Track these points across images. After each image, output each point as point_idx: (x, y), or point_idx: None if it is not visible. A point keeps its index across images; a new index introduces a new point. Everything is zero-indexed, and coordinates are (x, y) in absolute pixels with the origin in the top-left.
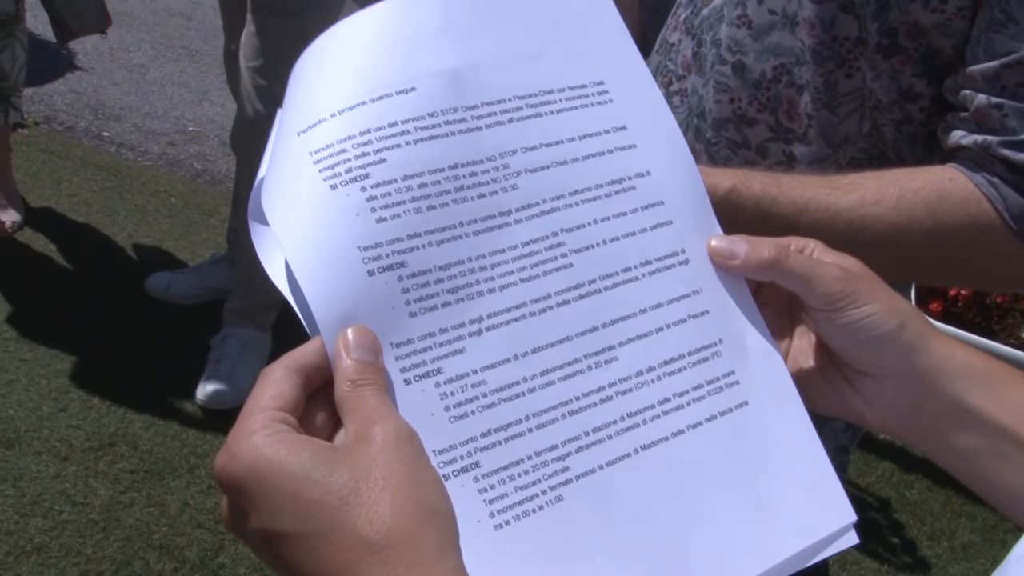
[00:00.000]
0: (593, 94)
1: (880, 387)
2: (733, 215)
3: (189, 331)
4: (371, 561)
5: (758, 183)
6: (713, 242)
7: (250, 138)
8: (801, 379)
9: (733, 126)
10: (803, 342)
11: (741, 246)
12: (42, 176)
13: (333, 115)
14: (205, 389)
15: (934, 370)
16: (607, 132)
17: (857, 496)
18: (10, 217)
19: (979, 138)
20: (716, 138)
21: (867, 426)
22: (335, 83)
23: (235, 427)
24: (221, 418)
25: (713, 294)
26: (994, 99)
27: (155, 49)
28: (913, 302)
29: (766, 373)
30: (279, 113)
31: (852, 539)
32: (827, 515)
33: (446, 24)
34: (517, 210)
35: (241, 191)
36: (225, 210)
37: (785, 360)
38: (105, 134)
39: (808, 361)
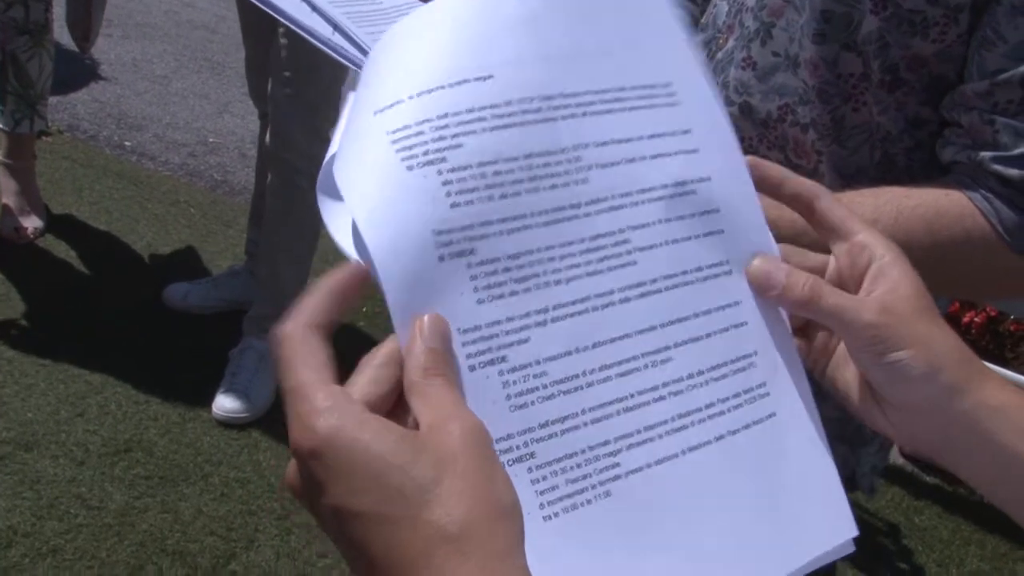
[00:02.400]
0: (661, 95)
1: (909, 419)
2: None
3: (206, 341)
4: (447, 550)
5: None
6: (755, 264)
7: (276, 147)
8: (836, 379)
9: None
10: (843, 349)
11: (779, 277)
12: (64, 183)
13: (411, 97)
14: (221, 404)
15: (964, 415)
16: (673, 134)
17: (866, 521)
18: (32, 223)
19: (973, 154)
20: None
21: (888, 437)
22: (413, 66)
23: (301, 396)
24: (236, 427)
25: (750, 306)
26: (986, 115)
27: (178, 61)
28: None
29: (791, 387)
30: (350, 95)
31: (849, 547)
32: (834, 527)
33: (522, 16)
34: (587, 204)
35: (259, 203)
36: (244, 221)
37: (828, 357)
38: (127, 143)
39: (846, 365)
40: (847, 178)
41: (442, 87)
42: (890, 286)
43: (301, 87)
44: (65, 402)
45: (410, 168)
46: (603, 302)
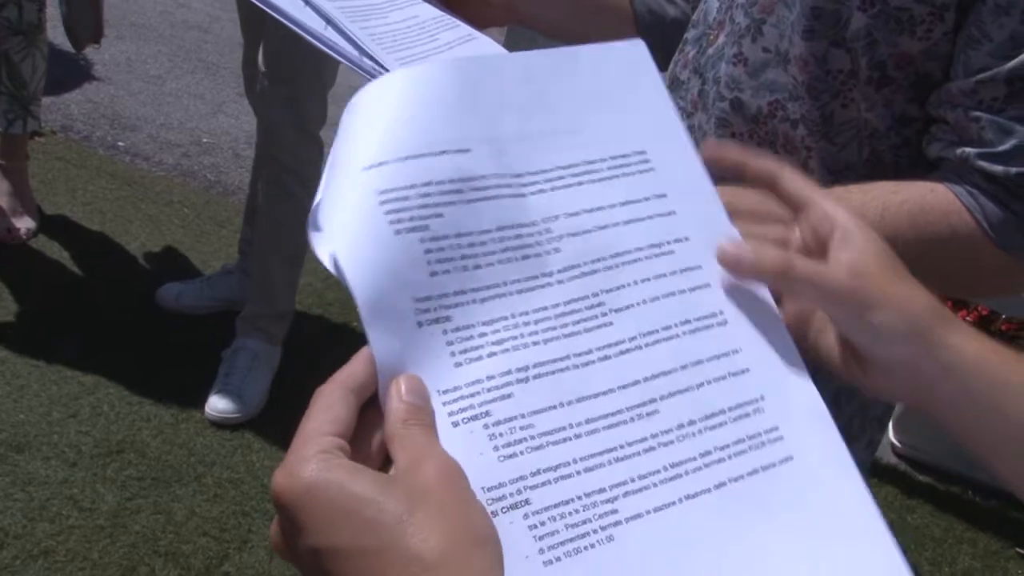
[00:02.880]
0: (635, 163)
1: (891, 377)
2: None
3: (199, 341)
4: None
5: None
6: (723, 246)
7: (267, 145)
8: (818, 346)
9: None
10: (821, 316)
11: (748, 254)
12: (57, 184)
13: (398, 159)
14: (214, 404)
15: (945, 366)
16: (647, 199)
17: None
18: (25, 224)
19: (958, 150)
20: None
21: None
22: (399, 129)
23: (294, 448)
24: (229, 427)
25: (753, 353)
26: (972, 112)
27: (172, 61)
28: None
29: (812, 430)
30: (334, 144)
31: None
32: (882, 571)
33: (500, 93)
34: (559, 271)
35: (254, 202)
36: (237, 221)
37: (806, 325)
38: (120, 144)
39: (826, 332)
40: (836, 174)
41: (426, 155)
42: (856, 250)
43: (291, 87)
44: (57, 403)
45: (397, 232)
46: (582, 360)
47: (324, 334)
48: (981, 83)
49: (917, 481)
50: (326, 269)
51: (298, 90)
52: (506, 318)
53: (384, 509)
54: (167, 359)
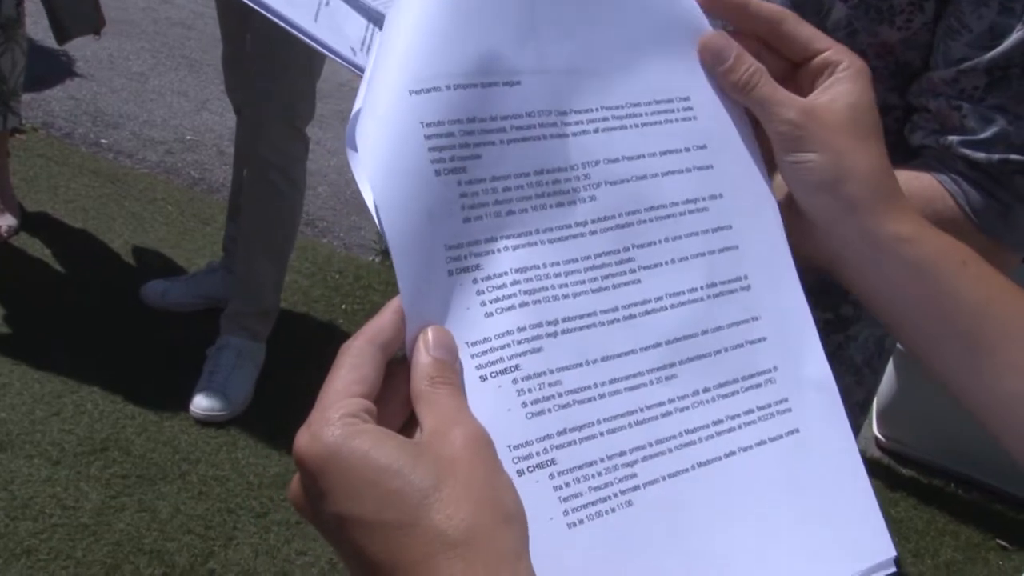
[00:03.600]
0: (679, 109)
1: (811, 229)
2: None
3: (183, 338)
4: (449, 556)
5: None
6: (709, 36)
7: (253, 142)
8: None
9: None
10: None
11: (729, 55)
12: (39, 181)
13: (448, 87)
14: (199, 402)
15: (868, 234)
16: (687, 150)
17: None
18: (6, 222)
19: (941, 138)
20: None
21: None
22: (449, 48)
23: (318, 407)
24: (213, 425)
25: (772, 321)
26: (953, 101)
27: (155, 58)
28: None
29: (819, 403)
30: (378, 37)
31: (888, 567)
32: (867, 547)
33: (556, 17)
34: (593, 221)
35: (237, 199)
36: (222, 218)
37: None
38: (103, 141)
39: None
40: None
41: (476, 85)
42: (832, 96)
43: (275, 84)
44: (40, 401)
45: (437, 173)
46: (608, 318)
47: (309, 331)
48: (962, 72)
49: (900, 475)
50: (311, 266)
51: (288, 87)
52: (537, 267)
53: (410, 482)
54: (151, 357)
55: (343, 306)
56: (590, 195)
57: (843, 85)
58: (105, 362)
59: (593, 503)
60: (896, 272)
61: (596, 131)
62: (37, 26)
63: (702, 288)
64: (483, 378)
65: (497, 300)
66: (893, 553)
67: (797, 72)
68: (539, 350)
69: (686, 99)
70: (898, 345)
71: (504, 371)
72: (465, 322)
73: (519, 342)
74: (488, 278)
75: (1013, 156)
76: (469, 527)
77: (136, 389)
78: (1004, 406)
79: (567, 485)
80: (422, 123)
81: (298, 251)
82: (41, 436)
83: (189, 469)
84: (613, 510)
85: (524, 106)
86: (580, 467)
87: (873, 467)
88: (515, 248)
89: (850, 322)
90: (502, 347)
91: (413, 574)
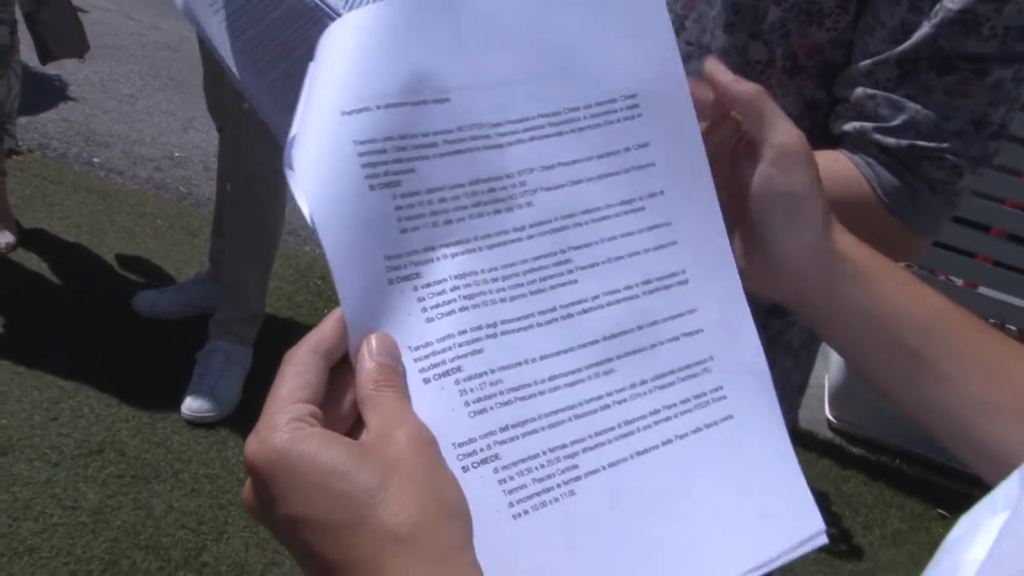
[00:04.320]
0: (621, 109)
1: (778, 267)
2: None
3: (174, 344)
4: (396, 552)
5: None
6: (708, 64)
7: (237, 157)
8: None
9: None
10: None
11: (728, 74)
12: (35, 200)
13: (379, 107)
14: (190, 404)
15: (827, 255)
16: (628, 150)
17: None
18: (4, 238)
19: (858, 124)
20: None
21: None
22: (379, 70)
23: (265, 414)
24: (204, 426)
25: (710, 313)
26: (869, 91)
27: (143, 80)
28: None
29: (753, 389)
30: (311, 66)
31: (820, 540)
32: (799, 523)
33: (489, 24)
34: (531, 226)
35: (222, 212)
36: (208, 230)
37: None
38: (95, 160)
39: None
40: None
41: (406, 104)
42: (795, 134)
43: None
44: (39, 407)
45: (372, 188)
46: (546, 318)
47: (293, 334)
48: (877, 65)
49: (851, 453)
50: (294, 272)
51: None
52: (476, 273)
53: (356, 483)
54: (144, 363)
55: (325, 309)
56: (527, 201)
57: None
58: (100, 368)
59: (537, 494)
60: (847, 290)
61: (532, 139)
62: (33, 53)
63: (637, 285)
64: (426, 380)
65: (437, 306)
66: (823, 527)
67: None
68: (480, 351)
69: (632, 96)
70: None
71: (446, 373)
72: (407, 328)
73: (460, 345)
74: (428, 285)
75: (920, 142)
76: (415, 523)
77: (130, 393)
78: (942, 415)
79: (511, 478)
80: (354, 141)
81: (281, 259)
82: (40, 440)
83: (182, 468)
84: (557, 500)
85: (455, 121)
86: (523, 460)
87: (826, 447)
88: (454, 256)
89: (788, 309)
90: (444, 350)
91: (363, 571)
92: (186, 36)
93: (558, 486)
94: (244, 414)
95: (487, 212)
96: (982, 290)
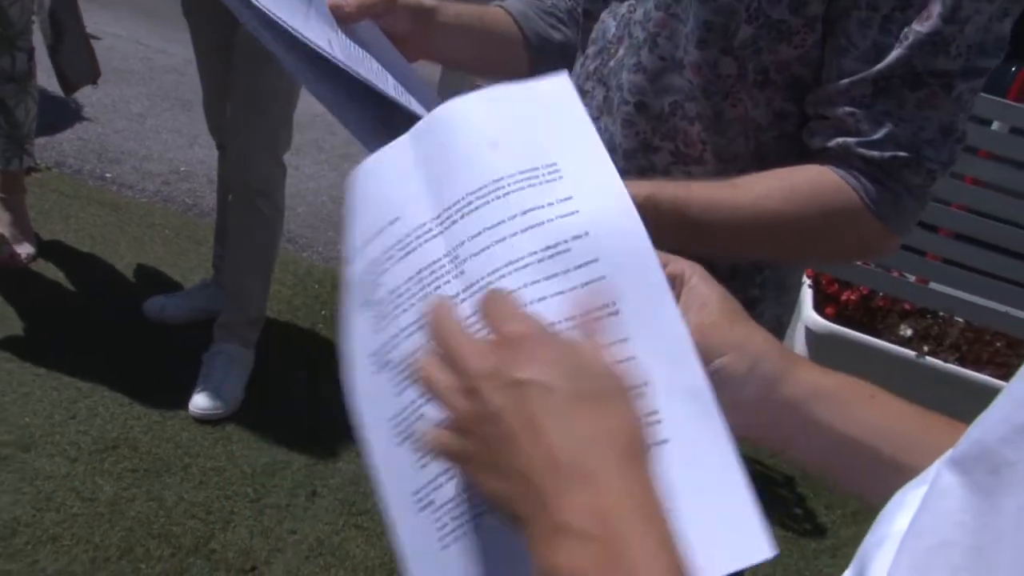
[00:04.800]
0: (544, 174)
1: (742, 414)
2: (651, 217)
3: (181, 347)
4: (644, 455)
5: (671, 187)
6: None
7: (239, 171)
8: None
9: (641, 154)
10: None
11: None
12: (52, 213)
13: (360, 248)
14: (197, 402)
15: (786, 401)
16: (551, 204)
17: (766, 474)
18: (25, 250)
19: (840, 140)
20: (627, 167)
21: None
22: (361, 222)
23: (496, 320)
24: (210, 422)
25: (642, 339)
26: (848, 109)
27: (151, 100)
28: (811, 307)
29: (692, 411)
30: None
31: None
32: (743, 547)
33: (427, 162)
34: (463, 291)
35: (223, 222)
36: (213, 239)
37: None
38: (108, 175)
39: None
40: (726, 163)
41: (371, 239)
42: (700, 303)
43: (259, 114)
44: (59, 406)
45: (354, 310)
46: None
47: (293, 336)
48: (853, 84)
49: None
50: (293, 278)
51: (271, 120)
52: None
53: (617, 374)
54: (154, 364)
55: (323, 312)
56: (460, 271)
57: (700, 289)
58: (114, 370)
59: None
60: (822, 420)
61: (463, 216)
62: (51, 79)
63: (564, 321)
64: (399, 444)
65: (405, 380)
66: (770, 553)
67: None
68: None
69: (552, 164)
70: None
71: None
72: (390, 404)
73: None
74: (396, 366)
75: (900, 153)
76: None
77: (141, 393)
78: None
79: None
80: (354, 277)
81: (281, 265)
82: (60, 437)
83: (190, 462)
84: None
85: (404, 230)
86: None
87: None
88: (407, 336)
89: (757, 301)
90: (410, 416)
91: (622, 458)
92: (191, 59)
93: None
94: (247, 411)
95: (431, 291)
96: (933, 285)
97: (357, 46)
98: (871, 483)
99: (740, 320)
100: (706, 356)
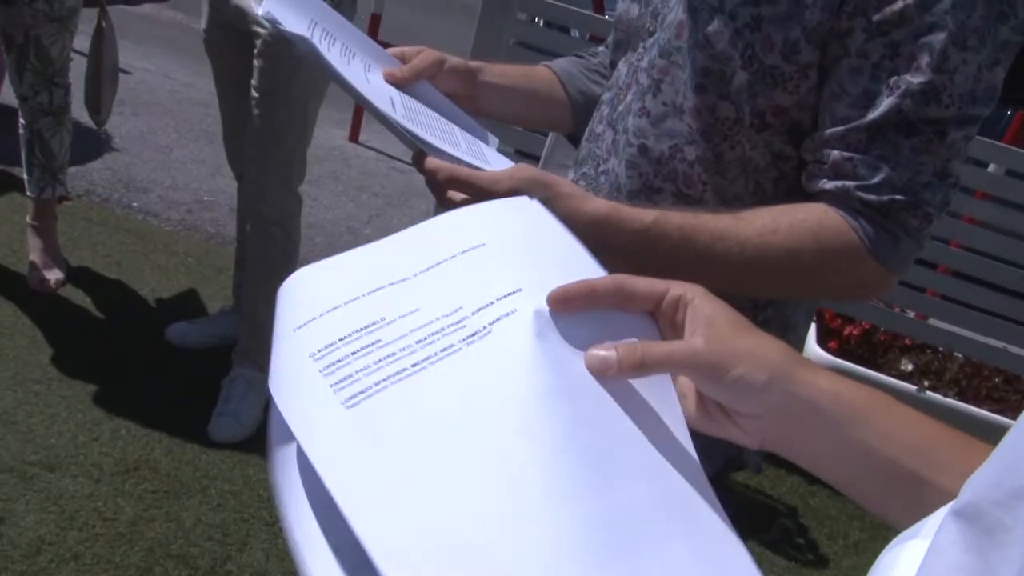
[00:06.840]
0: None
1: (758, 423)
2: (656, 243)
3: (202, 372)
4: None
5: (678, 216)
6: (590, 354)
7: (256, 202)
8: (683, 407)
9: (644, 195)
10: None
11: (612, 357)
12: (81, 240)
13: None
14: (215, 426)
15: (807, 405)
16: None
17: (770, 505)
18: (55, 275)
19: (839, 183)
20: (632, 206)
21: (743, 444)
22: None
23: None
24: (228, 446)
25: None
26: (846, 154)
27: (178, 132)
28: (814, 341)
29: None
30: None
31: None
32: None
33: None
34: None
35: (243, 251)
36: (233, 267)
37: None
38: (134, 204)
39: (688, 395)
40: (727, 203)
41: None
42: (706, 321)
43: (273, 147)
44: (83, 428)
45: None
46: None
47: None
48: (848, 131)
49: None
50: None
51: (284, 153)
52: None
53: None
54: (175, 388)
55: None
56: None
57: (704, 307)
58: (136, 393)
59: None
60: (837, 425)
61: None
62: (83, 111)
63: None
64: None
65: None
66: None
67: (656, 320)
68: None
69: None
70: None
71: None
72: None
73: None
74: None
75: (898, 196)
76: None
77: (162, 416)
78: None
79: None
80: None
81: None
82: (84, 458)
83: (208, 484)
84: None
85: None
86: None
87: (794, 465)
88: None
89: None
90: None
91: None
92: (216, 93)
93: None
94: (264, 436)
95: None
96: (932, 321)
97: (418, 103)
98: (885, 495)
99: (750, 331)
100: (723, 369)
